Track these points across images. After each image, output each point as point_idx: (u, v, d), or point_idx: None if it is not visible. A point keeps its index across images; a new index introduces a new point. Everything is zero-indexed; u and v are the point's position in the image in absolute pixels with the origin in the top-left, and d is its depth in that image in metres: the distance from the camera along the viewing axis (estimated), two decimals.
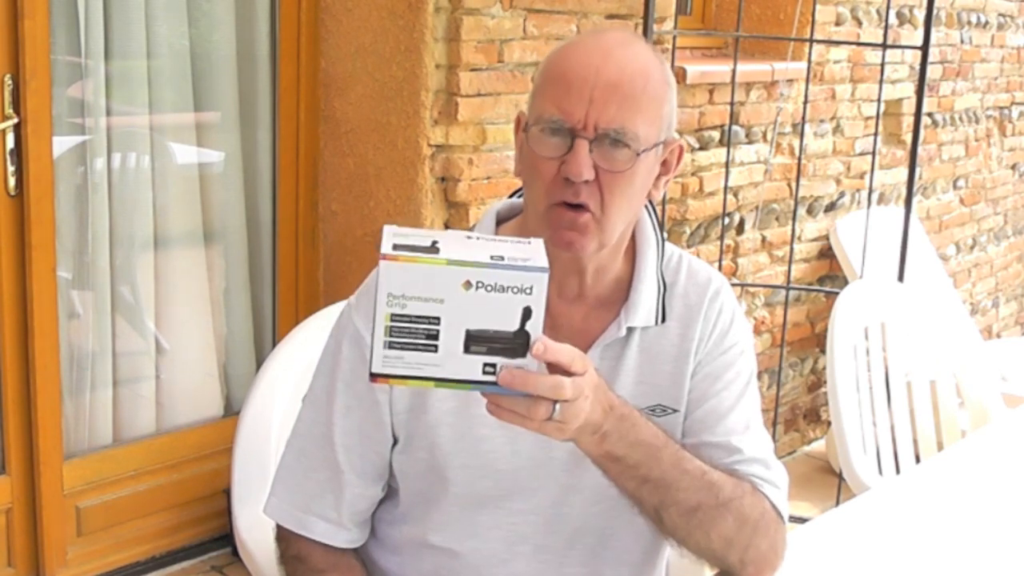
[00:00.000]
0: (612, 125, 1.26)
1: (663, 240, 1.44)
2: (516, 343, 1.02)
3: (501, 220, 1.45)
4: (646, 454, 1.24)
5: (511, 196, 1.49)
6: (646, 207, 1.43)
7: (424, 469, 1.40)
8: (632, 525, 1.37)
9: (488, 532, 1.41)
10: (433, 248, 1.01)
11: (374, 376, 1.01)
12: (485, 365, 1.02)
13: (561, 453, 1.36)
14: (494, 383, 1.02)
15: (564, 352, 1.07)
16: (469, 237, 1.05)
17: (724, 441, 1.39)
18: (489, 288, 0.99)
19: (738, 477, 1.36)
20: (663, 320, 1.41)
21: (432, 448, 1.38)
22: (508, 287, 0.99)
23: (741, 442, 1.39)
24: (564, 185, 1.28)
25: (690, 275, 1.44)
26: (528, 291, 1.00)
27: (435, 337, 1.00)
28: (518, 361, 1.02)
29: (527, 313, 1.01)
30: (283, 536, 1.45)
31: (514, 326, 1.01)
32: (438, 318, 1.00)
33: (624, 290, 1.40)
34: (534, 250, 1.04)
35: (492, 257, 1.01)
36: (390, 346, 1.00)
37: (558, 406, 1.08)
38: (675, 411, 1.41)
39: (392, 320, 1.00)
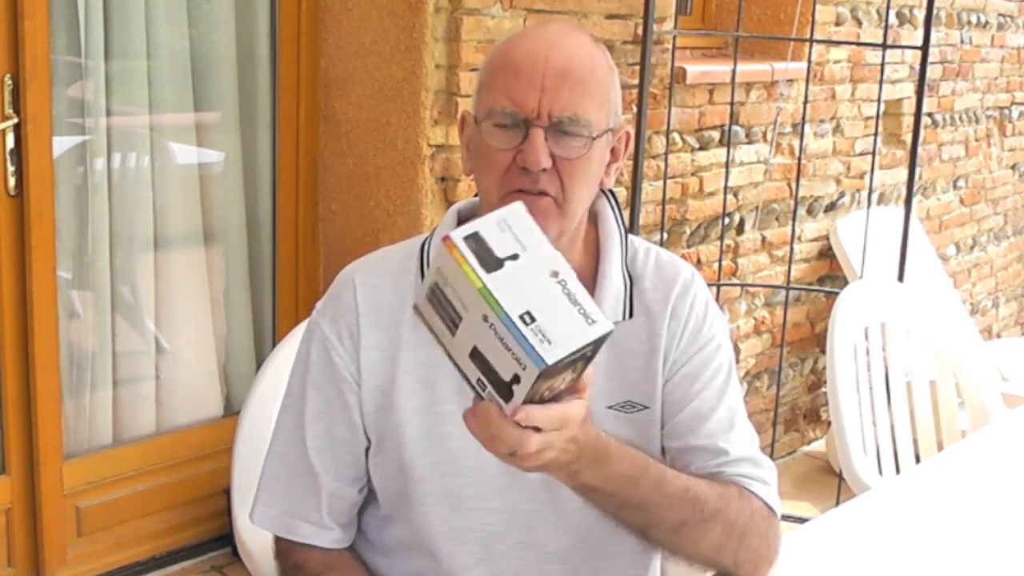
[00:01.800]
0: (565, 112, 1.27)
1: (626, 233, 1.43)
2: (503, 387, 1.02)
3: (463, 220, 1.43)
4: (623, 484, 1.23)
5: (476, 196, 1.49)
6: (608, 201, 1.43)
7: (396, 469, 1.40)
8: (611, 523, 1.36)
9: (463, 535, 1.40)
10: (498, 264, 0.99)
11: (415, 307, 1.03)
12: (479, 379, 1.03)
13: None
14: (481, 398, 1.04)
15: (542, 420, 1.05)
16: (556, 273, 1.02)
17: (709, 444, 1.38)
18: (498, 335, 0.98)
19: (724, 481, 1.35)
20: (630, 315, 1.39)
21: (400, 448, 1.38)
22: (510, 348, 0.99)
23: (727, 442, 1.38)
24: (520, 174, 1.28)
25: (658, 269, 1.43)
26: (523, 366, 0.99)
27: (456, 325, 1.01)
28: (501, 402, 1.03)
29: (516, 378, 1.00)
30: (281, 550, 1.45)
31: (507, 376, 1.01)
32: (461, 317, 1.01)
33: (589, 285, 1.38)
34: (577, 332, 1.00)
35: (523, 315, 0.98)
36: (428, 299, 1.02)
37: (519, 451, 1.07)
38: (646, 408, 1.40)
39: (435, 285, 1.01)
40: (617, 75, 1.36)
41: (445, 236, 0.99)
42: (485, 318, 0.98)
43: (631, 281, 1.40)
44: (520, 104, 1.27)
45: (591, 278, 1.39)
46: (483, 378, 1.02)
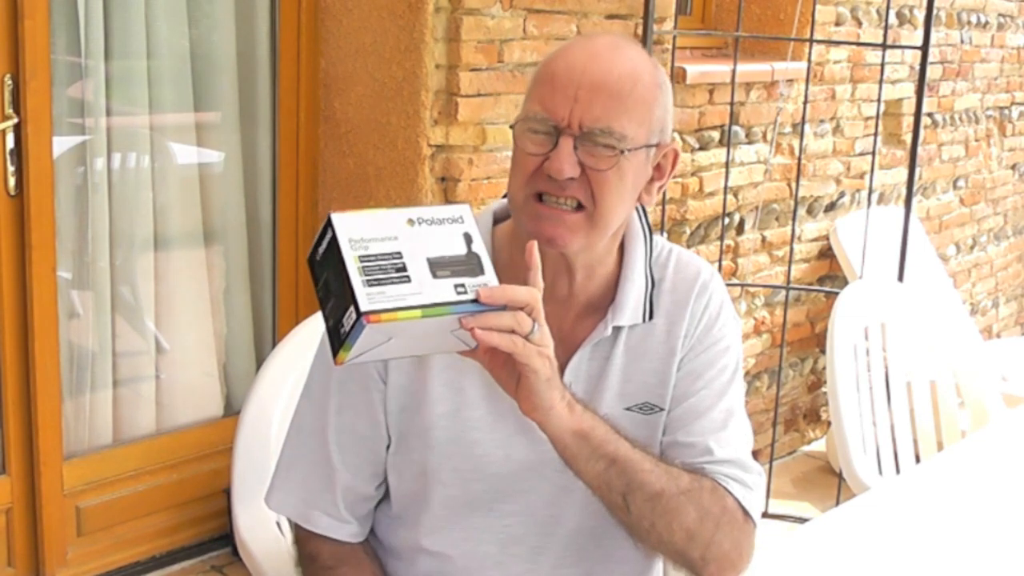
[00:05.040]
0: (597, 124, 1.28)
1: (651, 235, 1.44)
2: (471, 263, 1.11)
3: (498, 220, 1.45)
4: (607, 430, 1.27)
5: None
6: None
7: (417, 471, 1.40)
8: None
9: (481, 535, 1.41)
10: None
11: (365, 314, 1.04)
12: (456, 286, 1.10)
13: (554, 454, 1.35)
14: (473, 300, 1.10)
15: (512, 287, 1.13)
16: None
17: (698, 441, 1.39)
18: (428, 222, 1.11)
19: (699, 473, 1.36)
20: (650, 317, 1.41)
21: (425, 450, 1.38)
22: (443, 219, 1.12)
23: (716, 442, 1.39)
24: (546, 179, 1.30)
25: (678, 269, 1.44)
26: (460, 220, 1.13)
27: (404, 270, 1.08)
28: (481, 279, 1.11)
29: (468, 238, 1.12)
30: (299, 538, 1.46)
31: (463, 251, 1.12)
32: (399, 252, 1.08)
33: (612, 288, 1.41)
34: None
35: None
36: (368, 284, 1.06)
37: (536, 325, 1.13)
38: (662, 410, 1.41)
39: (361, 261, 1.07)
40: (668, 91, 1.36)
41: (332, 214, 1.08)
42: (411, 222, 1.11)
43: (653, 283, 1.42)
44: (552, 112, 1.29)
45: (614, 280, 1.41)
46: (456, 281, 1.10)
